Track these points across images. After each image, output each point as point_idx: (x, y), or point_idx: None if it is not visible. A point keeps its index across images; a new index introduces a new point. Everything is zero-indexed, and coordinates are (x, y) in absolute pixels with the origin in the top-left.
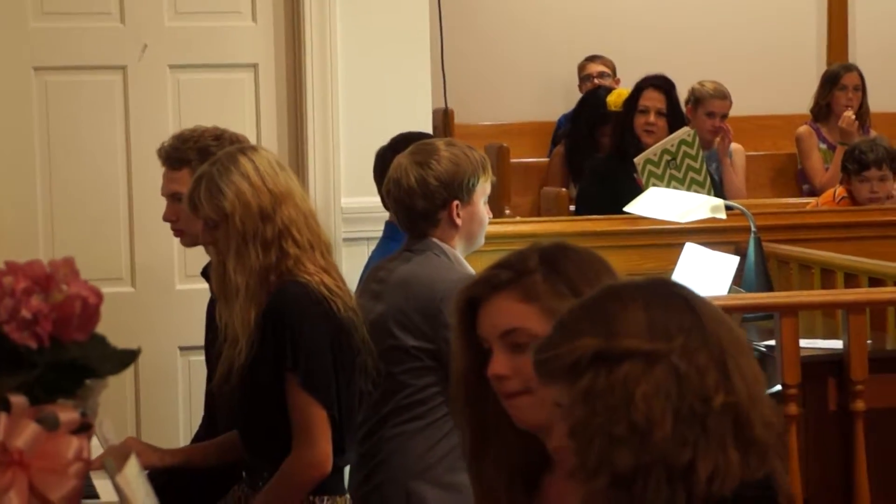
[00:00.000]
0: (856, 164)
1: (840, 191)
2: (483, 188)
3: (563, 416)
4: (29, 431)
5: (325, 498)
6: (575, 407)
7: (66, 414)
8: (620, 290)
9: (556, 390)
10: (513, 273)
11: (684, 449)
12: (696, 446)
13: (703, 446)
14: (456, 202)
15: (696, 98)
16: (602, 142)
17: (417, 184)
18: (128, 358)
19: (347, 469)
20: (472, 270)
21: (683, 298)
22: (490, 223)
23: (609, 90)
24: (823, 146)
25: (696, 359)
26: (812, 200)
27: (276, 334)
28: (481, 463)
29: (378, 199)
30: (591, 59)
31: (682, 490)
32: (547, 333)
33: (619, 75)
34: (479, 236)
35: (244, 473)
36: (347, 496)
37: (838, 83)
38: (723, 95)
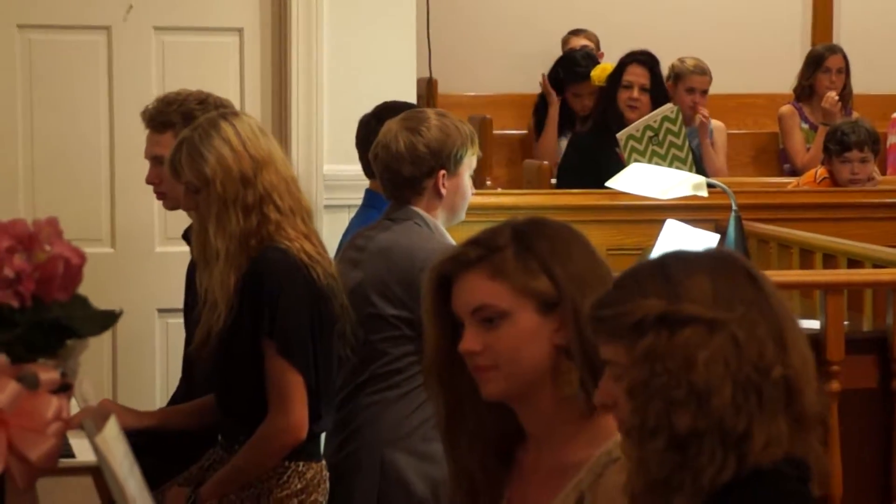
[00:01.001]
0: (837, 146)
1: (821, 171)
2: (469, 161)
3: (618, 375)
4: (9, 390)
5: (301, 464)
6: (635, 367)
7: (47, 373)
8: (687, 255)
9: (612, 348)
10: (483, 250)
11: (740, 416)
12: (751, 415)
13: (758, 416)
14: (443, 172)
15: (676, 74)
16: (575, 103)
17: (406, 149)
18: (109, 319)
19: (323, 436)
20: (452, 241)
21: (747, 271)
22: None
23: (586, 55)
24: (805, 126)
25: (756, 330)
26: (793, 180)
27: (255, 299)
28: (455, 435)
29: (360, 166)
30: (575, 32)
31: (734, 456)
32: (607, 291)
33: (602, 50)
34: (461, 209)
35: (220, 437)
36: (323, 462)
37: (822, 65)
38: (702, 71)
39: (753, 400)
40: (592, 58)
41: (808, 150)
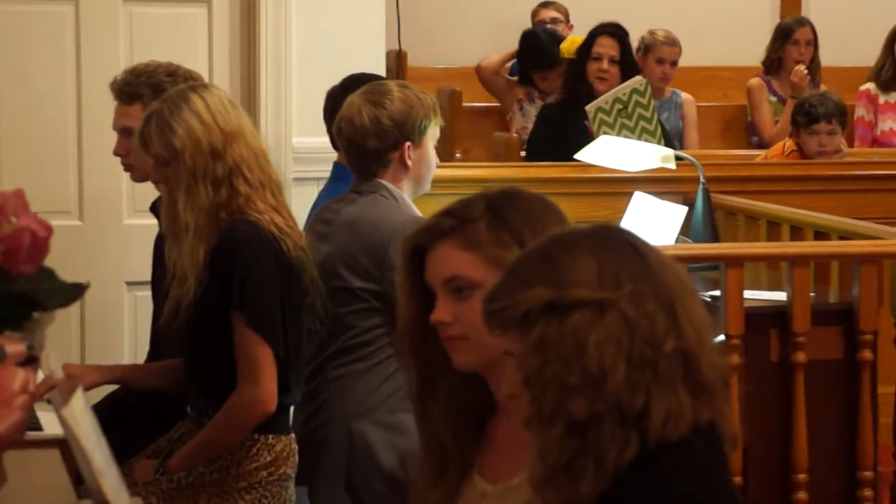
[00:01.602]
0: (805, 118)
1: (789, 144)
2: (433, 132)
3: (516, 366)
4: None
5: (270, 436)
6: (528, 357)
7: (13, 346)
8: (568, 238)
9: (508, 340)
10: (455, 221)
11: (637, 394)
12: (648, 391)
13: (655, 391)
14: (408, 143)
15: (646, 45)
16: (542, 84)
17: (370, 122)
18: (76, 292)
19: (292, 409)
20: (419, 213)
21: (631, 245)
22: (440, 167)
23: (551, 35)
24: (774, 99)
25: (645, 305)
26: (761, 153)
27: (224, 272)
28: (427, 406)
29: (328, 139)
30: (544, 4)
31: (636, 434)
32: (496, 283)
33: (572, 22)
34: (426, 180)
35: (189, 409)
36: (292, 436)
37: (791, 37)
38: (672, 42)
39: (649, 375)
40: (557, 38)
41: (776, 122)
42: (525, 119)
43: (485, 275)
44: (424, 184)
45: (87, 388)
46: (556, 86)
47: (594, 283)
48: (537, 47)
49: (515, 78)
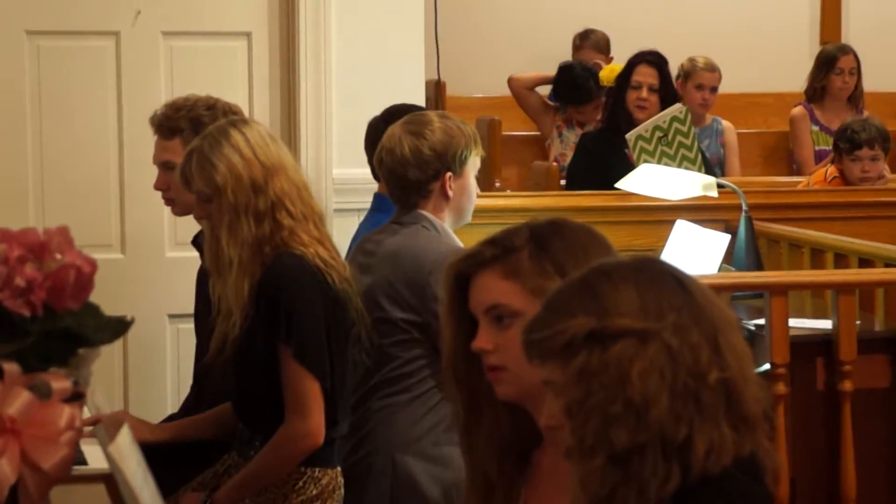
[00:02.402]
0: (847, 144)
1: (832, 170)
2: (474, 162)
3: (556, 395)
4: (21, 399)
5: (317, 469)
6: (570, 386)
7: (59, 382)
8: (611, 269)
9: (548, 369)
10: (498, 250)
11: (680, 425)
12: (691, 423)
13: (698, 422)
14: (449, 174)
15: (686, 72)
16: (578, 116)
17: (411, 153)
18: (121, 327)
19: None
20: (460, 243)
21: (673, 277)
22: (480, 197)
23: (584, 69)
24: (816, 128)
25: (689, 336)
26: (803, 180)
27: (271, 305)
28: (473, 436)
29: (369, 170)
30: (585, 35)
31: (678, 466)
32: (536, 313)
33: (612, 54)
34: (467, 211)
35: (236, 443)
36: (338, 469)
37: (835, 66)
38: (712, 68)
39: (692, 407)
40: (592, 72)
41: (816, 152)
42: (564, 146)
43: (526, 304)
44: (466, 214)
45: None
46: (593, 117)
47: (637, 313)
48: (571, 82)
49: (554, 104)
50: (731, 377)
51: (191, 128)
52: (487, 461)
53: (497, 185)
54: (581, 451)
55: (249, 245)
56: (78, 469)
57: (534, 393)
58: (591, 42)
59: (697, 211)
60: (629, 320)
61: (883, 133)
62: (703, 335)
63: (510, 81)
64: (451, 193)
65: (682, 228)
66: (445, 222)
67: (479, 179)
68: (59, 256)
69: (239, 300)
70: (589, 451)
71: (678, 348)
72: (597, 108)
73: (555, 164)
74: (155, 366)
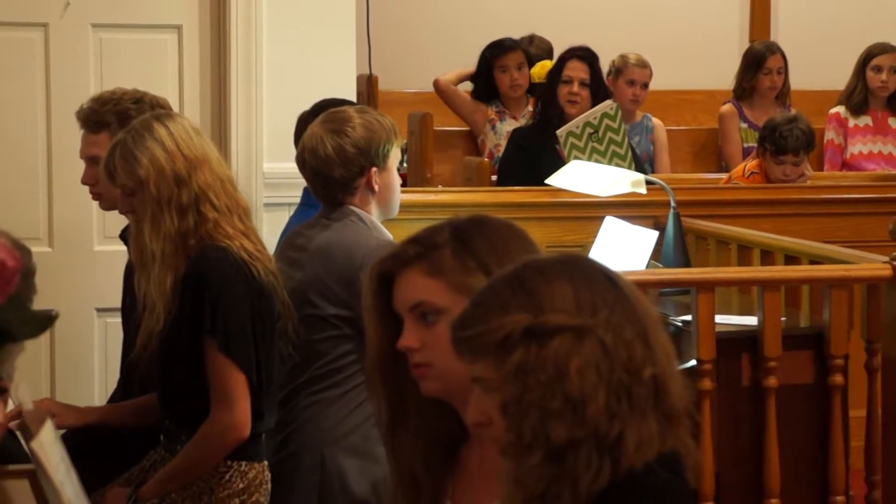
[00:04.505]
0: (773, 146)
1: (751, 165)
2: (395, 154)
3: (486, 392)
4: None
5: (244, 463)
6: (506, 383)
7: None
8: (543, 265)
9: (479, 366)
10: (421, 248)
11: (614, 421)
12: (624, 418)
13: (629, 418)
14: (374, 169)
15: (617, 68)
16: (503, 80)
17: (335, 152)
18: (46, 322)
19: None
20: (390, 236)
21: (603, 274)
22: (411, 192)
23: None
24: (745, 125)
25: (622, 332)
26: (725, 176)
27: (195, 298)
28: (397, 434)
29: None
30: (529, 43)
31: (609, 461)
32: (465, 310)
33: (537, 46)
34: (394, 203)
35: (162, 437)
36: (265, 463)
37: (763, 66)
38: (643, 64)
39: (625, 403)
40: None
41: (744, 148)
42: (498, 137)
43: (450, 301)
44: (393, 207)
45: (60, 428)
46: (516, 80)
47: (572, 309)
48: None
49: (482, 104)
50: (661, 372)
51: (118, 122)
52: (414, 459)
53: (429, 177)
54: (518, 447)
55: (173, 238)
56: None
57: (460, 389)
58: (534, 47)
59: (627, 207)
60: (565, 316)
61: (809, 137)
62: (635, 331)
63: (436, 84)
64: (377, 187)
65: (612, 225)
66: (373, 216)
67: (410, 174)
68: None
69: (162, 294)
70: (527, 448)
71: (612, 344)
72: (518, 67)
73: (488, 159)
74: (83, 360)
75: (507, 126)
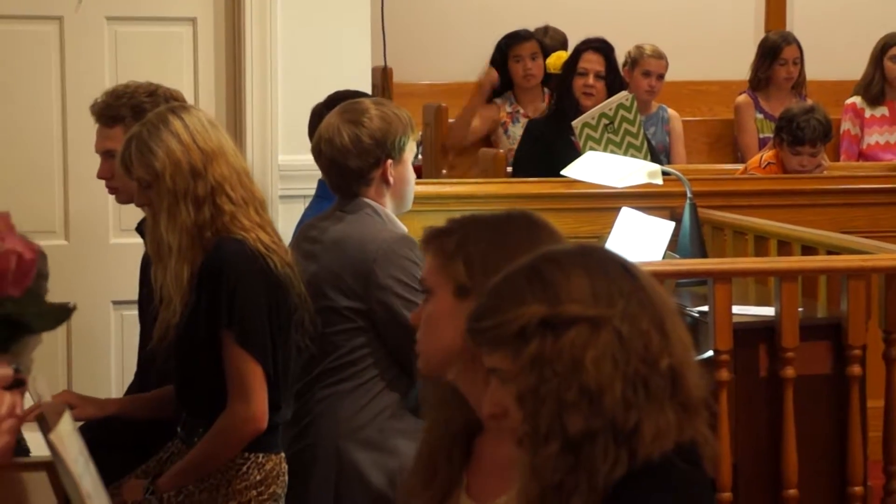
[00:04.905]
0: (790, 137)
1: (767, 156)
2: (411, 147)
3: (503, 383)
4: None
5: (261, 455)
6: (522, 374)
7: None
8: (559, 256)
9: (496, 358)
10: (447, 226)
11: (630, 411)
12: (640, 409)
13: (646, 408)
14: (389, 161)
15: (633, 59)
16: (517, 70)
17: (351, 142)
18: (62, 314)
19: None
20: (405, 229)
21: (620, 264)
22: (426, 183)
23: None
24: (760, 116)
25: (639, 323)
26: (741, 167)
27: (212, 290)
28: (433, 413)
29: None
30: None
31: (626, 452)
32: (481, 301)
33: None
34: (408, 196)
35: (179, 429)
36: (282, 454)
37: (779, 57)
38: (658, 55)
39: (642, 393)
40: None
41: (760, 139)
42: (511, 142)
43: (436, 282)
44: (407, 200)
45: (78, 420)
46: (530, 70)
47: (588, 300)
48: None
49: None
50: (678, 363)
51: (132, 115)
52: (438, 445)
53: (444, 172)
54: (535, 438)
55: (189, 231)
56: (20, 457)
57: (441, 370)
58: (548, 38)
59: (643, 198)
60: (581, 307)
61: (826, 128)
62: (652, 322)
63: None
64: (391, 180)
65: (628, 216)
66: (387, 208)
67: (425, 167)
68: None
69: (179, 287)
70: (543, 439)
71: (629, 335)
72: (533, 57)
73: (502, 151)
74: (99, 353)
75: (519, 129)
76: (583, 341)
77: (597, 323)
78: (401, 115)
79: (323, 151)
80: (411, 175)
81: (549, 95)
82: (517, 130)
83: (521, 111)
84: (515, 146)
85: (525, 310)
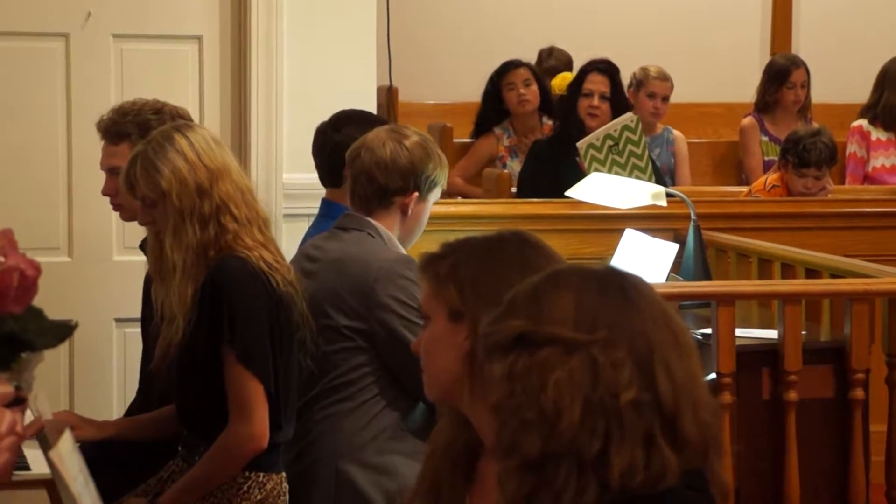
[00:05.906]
0: (796, 159)
1: (772, 178)
2: (437, 192)
3: (488, 393)
4: None
5: (262, 475)
6: (498, 386)
7: (0, 387)
8: (561, 275)
9: (489, 366)
10: (444, 250)
11: (593, 440)
12: (607, 439)
13: (617, 440)
14: (416, 194)
15: (638, 81)
16: (510, 97)
17: (391, 157)
18: (64, 332)
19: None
20: (404, 251)
21: (622, 291)
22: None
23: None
24: (766, 139)
25: (615, 353)
26: (745, 189)
27: (214, 308)
28: (438, 434)
29: (318, 175)
30: (548, 54)
31: (595, 481)
32: (493, 311)
33: (556, 58)
34: (415, 234)
35: (180, 448)
36: (283, 474)
37: (787, 80)
38: (664, 77)
39: (613, 423)
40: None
41: (765, 162)
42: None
43: (431, 308)
44: (412, 238)
45: (78, 441)
46: (524, 95)
47: (568, 323)
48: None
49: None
50: (659, 399)
51: (138, 132)
52: (442, 467)
53: (447, 191)
54: (500, 450)
55: (194, 249)
56: (20, 474)
57: (446, 395)
58: (553, 59)
59: (647, 220)
60: (559, 329)
61: (832, 151)
62: (633, 353)
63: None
64: (409, 212)
65: (631, 237)
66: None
67: None
68: (1, 259)
69: (182, 305)
70: (505, 452)
71: (602, 364)
72: (527, 82)
73: (507, 171)
74: (101, 370)
75: (517, 163)
76: (552, 362)
77: (571, 347)
78: (442, 155)
79: (362, 156)
80: (426, 218)
81: (552, 124)
82: (515, 165)
83: (519, 146)
84: (514, 181)
85: (510, 322)
